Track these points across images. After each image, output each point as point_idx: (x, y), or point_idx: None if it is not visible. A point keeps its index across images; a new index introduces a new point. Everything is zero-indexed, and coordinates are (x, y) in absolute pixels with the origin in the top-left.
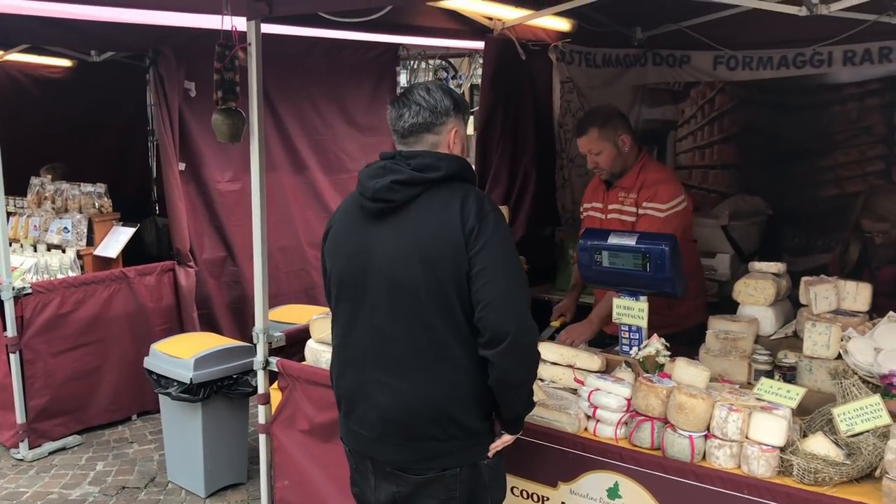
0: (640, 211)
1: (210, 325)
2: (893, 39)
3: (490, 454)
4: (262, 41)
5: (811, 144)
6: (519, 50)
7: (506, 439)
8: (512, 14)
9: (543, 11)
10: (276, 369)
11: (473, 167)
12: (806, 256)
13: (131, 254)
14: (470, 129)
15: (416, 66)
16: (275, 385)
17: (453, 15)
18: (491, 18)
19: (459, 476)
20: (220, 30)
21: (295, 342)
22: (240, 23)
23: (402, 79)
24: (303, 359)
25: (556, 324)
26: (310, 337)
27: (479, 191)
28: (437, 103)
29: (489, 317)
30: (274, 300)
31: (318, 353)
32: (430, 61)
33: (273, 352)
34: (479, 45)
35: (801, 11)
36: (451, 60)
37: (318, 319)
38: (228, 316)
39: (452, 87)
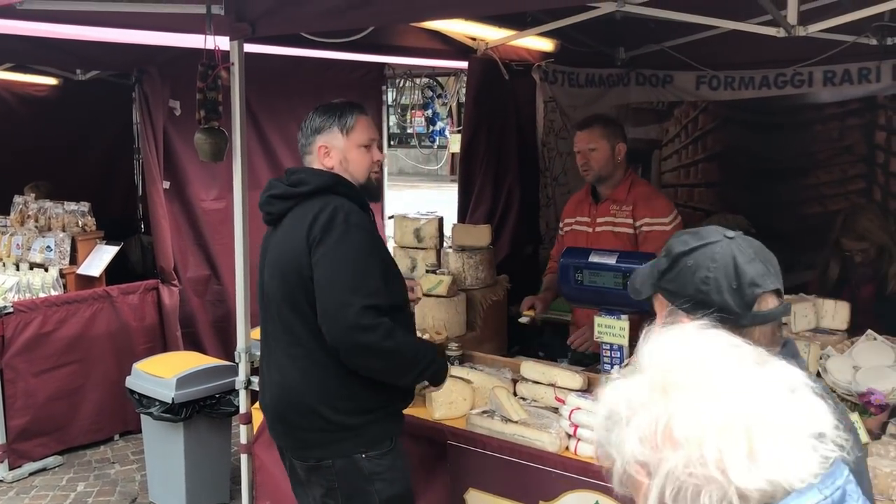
0: (645, 228)
1: (194, 344)
2: (872, 60)
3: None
4: (246, 60)
5: (793, 163)
6: (502, 70)
7: (431, 389)
8: (495, 34)
9: (526, 32)
10: (257, 388)
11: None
12: (790, 274)
13: (116, 272)
14: (456, 147)
15: (402, 85)
16: (257, 404)
17: (437, 35)
18: (475, 39)
19: (334, 468)
20: (204, 49)
21: None
22: (223, 42)
23: (390, 97)
24: None
25: (528, 313)
26: None
27: (345, 202)
28: (306, 126)
29: (324, 327)
30: (257, 318)
31: None
32: (417, 80)
33: (256, 371)
34: (465, 64)
35: (778, 33)
36: (439, 79)
37: None
38: (213, 335)
39: (437, 105)
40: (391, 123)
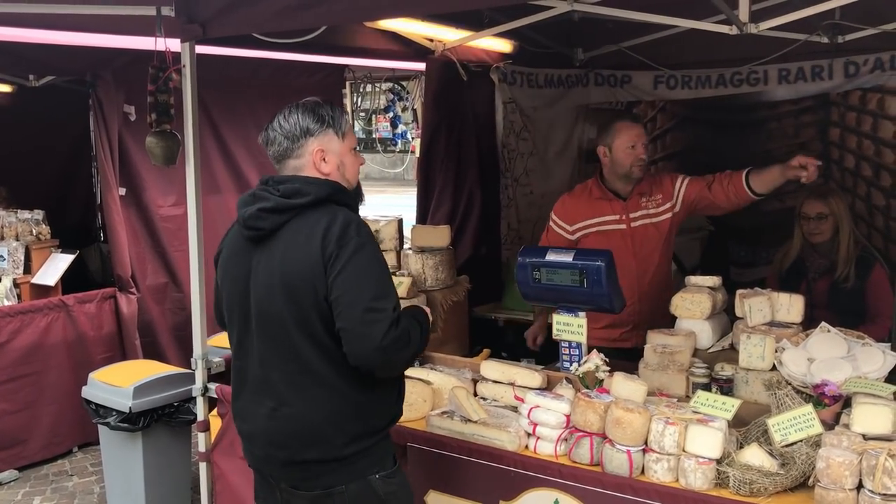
0: (684, 183)
1: (154, 352)
2: (825, 59)
3: None
4: (204, 63)
5: (751, 160)
6: (460, 71)
7: None
8: (452, 35)
9: (483, 33)
10: (215, 395)
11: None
12: (752, 268)
13: (76, 282)
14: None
15: (363, 90)
16: (214, 412)
17: (394, 36)
18: (432, 40)
19: (347, 493)
20: (155, 51)
21: None
22: (175, 45)
23: (350, 102)
24: None
25: (535, 348)
26: None
27: (350, 214)
28: (293, 127)
29: (348, 346)
30: None
31: None
32: (378, 84)
33: (213, 378)
34: (424, 66)
35: (731, 30)
36: (402, 82)
37: None
38: (173, 343)
39: (398, 108)
40: (356, 129)
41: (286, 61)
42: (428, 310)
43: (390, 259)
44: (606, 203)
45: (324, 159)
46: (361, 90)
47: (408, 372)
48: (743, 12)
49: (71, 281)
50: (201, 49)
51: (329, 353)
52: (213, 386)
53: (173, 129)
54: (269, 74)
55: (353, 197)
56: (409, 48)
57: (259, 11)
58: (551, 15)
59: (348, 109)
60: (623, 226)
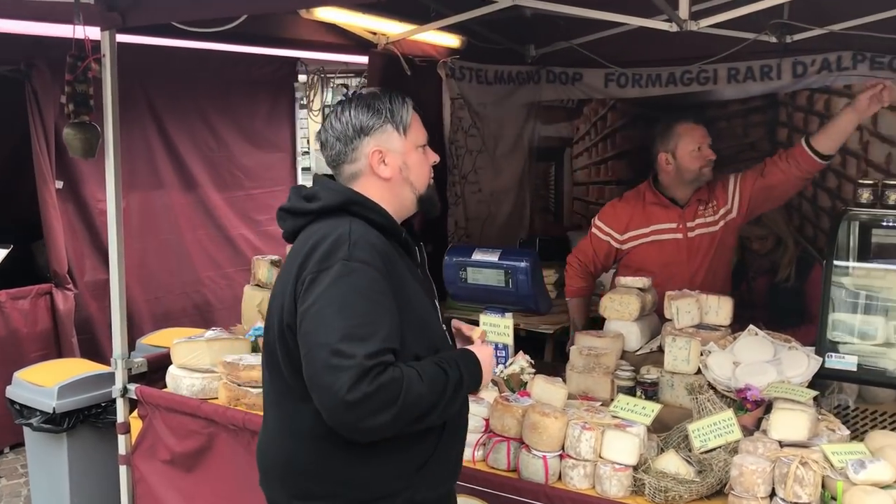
0: (738, 180)
1: (93, 350)
2: (773, 58)
3: None
4: (147, 54)
5: None
6: (404, 65)
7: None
8: (396, 29)
9: (427, 26)
10: (135, 397)
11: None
12: None
13: (21, 277)
14: None
15: (312, 81)
16: (135, 413)
17: (335, 29)
18: (375, 33)
19: None
20: (73, 39)
21: (160, 367)
22: (95, 33)
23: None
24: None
25: None
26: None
27: (358, 230)
28: (345, 126)
29: (313, 395)
30: (165, 322)
31: (179, 378)
32: (333, 77)
33: (135, 378)
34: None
35: (671, 28)
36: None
37: (179, 343)
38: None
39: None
40: (306, 127)
41: (234, 53)
42: (488, 352)
43: None
44: (662, 210)
45: (383, 161)
46: (311, 82)
47: None
48: (683, 10)
49: (15, 276)
50: (143, 40)
51: (299, 395)
52: (133, 387)
53: (93, 120)
54: (217, 67)
55: (379, 210)
56: (350, 41)
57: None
58: (495, 9)
59: (298, 106)
60: (680, 235)
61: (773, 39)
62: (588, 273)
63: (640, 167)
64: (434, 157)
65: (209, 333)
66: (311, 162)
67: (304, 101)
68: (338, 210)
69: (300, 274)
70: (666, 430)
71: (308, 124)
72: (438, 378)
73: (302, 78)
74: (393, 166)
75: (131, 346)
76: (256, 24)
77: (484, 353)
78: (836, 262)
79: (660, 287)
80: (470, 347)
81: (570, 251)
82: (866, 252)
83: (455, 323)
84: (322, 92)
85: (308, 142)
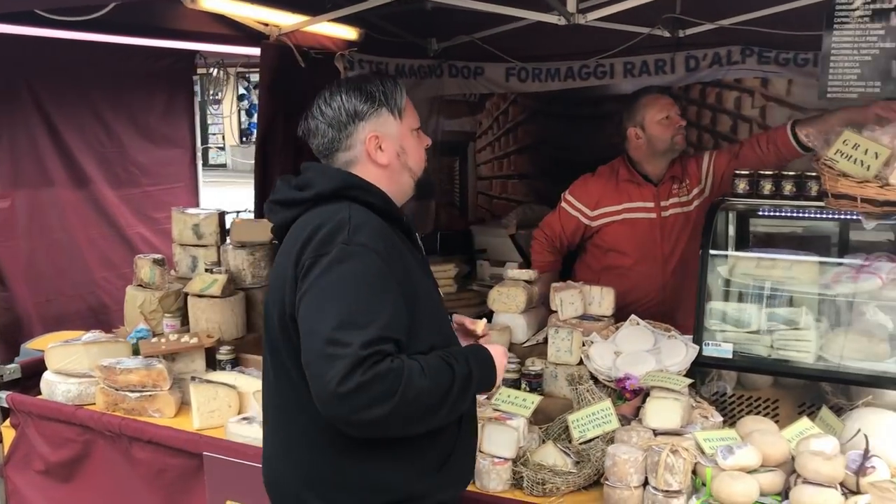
0: (712, 158)
1: None
2: (667, 53)
3: None
4: (29, 47)
5: (600, 154)
6: (297, 57)
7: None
8: (288, 20)
9: (319, 18)
10: (6, 405)
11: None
12: None
13: None
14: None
15: (217, 76)
16: (7, 422)
17: (223, 19)
18: (267, 24)
19: None
20: None
21: (36, 373)
22: None
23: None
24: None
25: None
26: None
27: (359, 215)
28: (337, 112)
29: (310, 383)
30: (57, 325)
31: (54, 384)
32: (231, 70)
33: (8, 385)
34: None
35: (559, 21)
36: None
37: (54, 348)
38: None
39: (255, 96)
40: (242, 120)
41: (128, 46)
42: (500, 350)
43: (211, 255)
44: (635, 188)
45: (380, 147)
46: (212, 74)
47: (212, 375)
48: (571, 4)
49: None
50: (24, 31)
51: (302, 391)
52: (3, 395)
53: None
54: (108, 60)
55: (380, 194)
56: (240, 32)
57: None
58: (386, 0)
59: (209, 100)
60: (653, 214)
61: (667, 34)
62: (554, 248)
63: (541, 161)
64: (427, 141)
65: (87, 336)
66: (226, 158)
67: (217, 96)
68: (335, 196)
69: (299, 260)
70: (550, 422)
71: (222, 119)
72: (443, 373)
73: (201, 71)
74: (390, 152)
75: (16, 351)
76: (144, 14)
77: (496, 351)
78: (711, 251)
79: (635, 268)
80: (483, 343)
81: (473, 245)
82: (745, 241)
83: (457, 318)
84: (235, 87)
85: (223, 138)
